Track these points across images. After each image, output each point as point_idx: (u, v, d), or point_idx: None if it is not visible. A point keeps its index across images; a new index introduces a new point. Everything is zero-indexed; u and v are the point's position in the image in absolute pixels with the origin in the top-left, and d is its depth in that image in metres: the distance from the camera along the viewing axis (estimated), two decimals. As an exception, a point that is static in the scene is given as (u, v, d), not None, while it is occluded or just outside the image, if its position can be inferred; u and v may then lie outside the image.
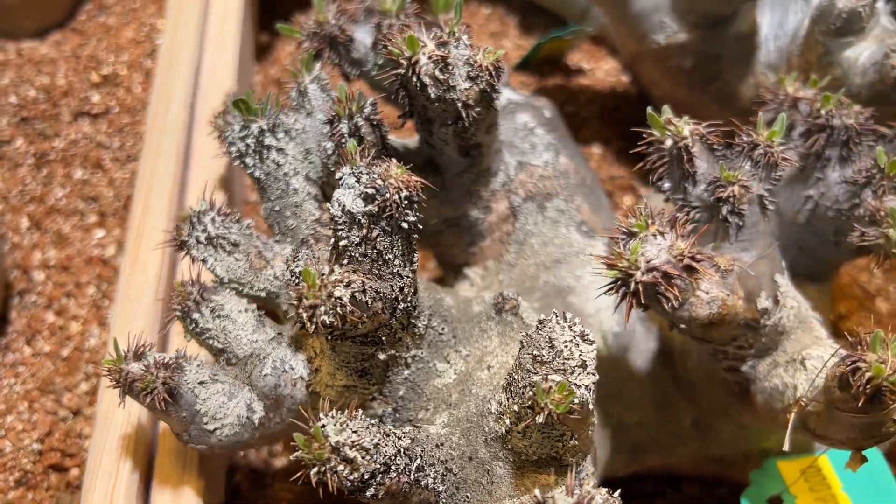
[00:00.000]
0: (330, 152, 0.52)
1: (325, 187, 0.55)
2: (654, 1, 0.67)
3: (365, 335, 0.43)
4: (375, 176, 0.40)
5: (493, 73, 0.49)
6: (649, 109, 0.46)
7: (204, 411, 0.45)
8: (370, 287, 0.41)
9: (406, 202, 0.40)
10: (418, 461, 0.40)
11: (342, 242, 0.41)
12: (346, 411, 0.38)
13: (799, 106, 0.56)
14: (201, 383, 0.45)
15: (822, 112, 0.52)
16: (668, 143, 0.46)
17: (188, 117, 0.67)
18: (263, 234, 0.52)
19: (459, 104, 0.48)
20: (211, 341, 0.47)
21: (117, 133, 0.76)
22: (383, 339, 0.44)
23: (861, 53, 0.59)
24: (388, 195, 0.40)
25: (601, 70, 0.89)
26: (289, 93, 0.56)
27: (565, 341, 0.39)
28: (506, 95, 0.65)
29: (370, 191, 0.40)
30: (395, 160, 0.41)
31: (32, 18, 0.82)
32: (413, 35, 0.46)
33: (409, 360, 0.46)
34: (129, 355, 0.44)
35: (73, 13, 0.87)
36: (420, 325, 0.46)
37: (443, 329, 0.48)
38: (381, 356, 0.44)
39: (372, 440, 0.37)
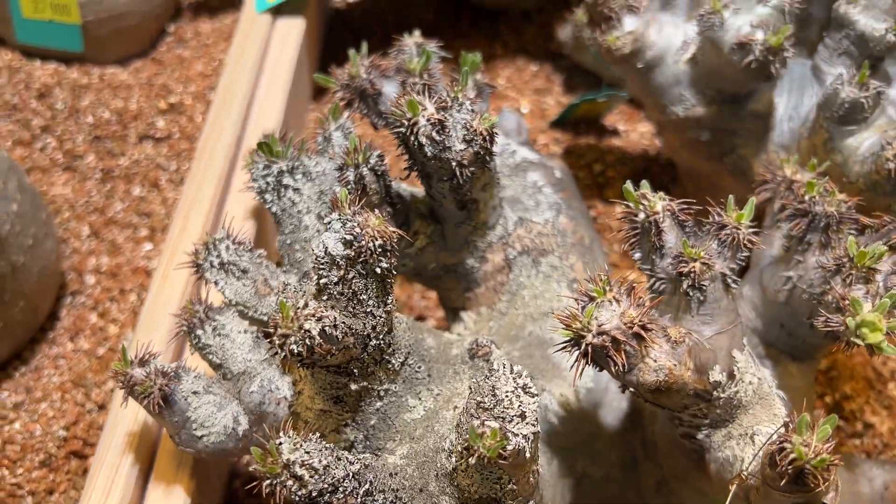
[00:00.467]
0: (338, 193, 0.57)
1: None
2: (675, 75, 0.70)
3: (337, 366, 0.47)
4: (355, 224, 0.45)
5: (488, 138, 0.53)
6: (625, 185, 0.50)
7: (194, 418, 0.50)
8: (342, 323, 0.45)
9: (380, 250, 0.45)
10: (367, 486, 0.44)
11: (322, 280, 0.46)
12: (303, 433, 0.42)
13: (794, 188, 0.58)
14: (195, 393, 0.50)
15: (806, 198, 0.54)
16: (641, 216, 0.49)
17: (234, 149, 0.74)
18: (274, 263, 0.58)
19: (454, 163, 0.53)
20: (210, 356, 0.53)
21: (175, 157, 0.84)
22: (355, 371, 0.48)
23: (862, 142, 0.61)
24: (363, 242, 0.44)
25: (636, 132, 0.92)
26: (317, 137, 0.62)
27: (507, 391, 0.42)
28: (521, 154, 0.69)
29: (349, 237, 0.44)
30: (376, 212, 0.46)
31: (118, 48, 0.92)
32: (413, 100, 0.51)
33: (382, 393, 0.50)
34: (134, 361, 0.50)
35: (156, 44, 0.96)
36: (394, 361, 0.50)
37: (419, 367, 0.52)
38: (353, 386, 0.49)
39: (322, 462, 0.42)
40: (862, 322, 0.47)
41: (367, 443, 0.52)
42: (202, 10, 1.00)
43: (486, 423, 0.41)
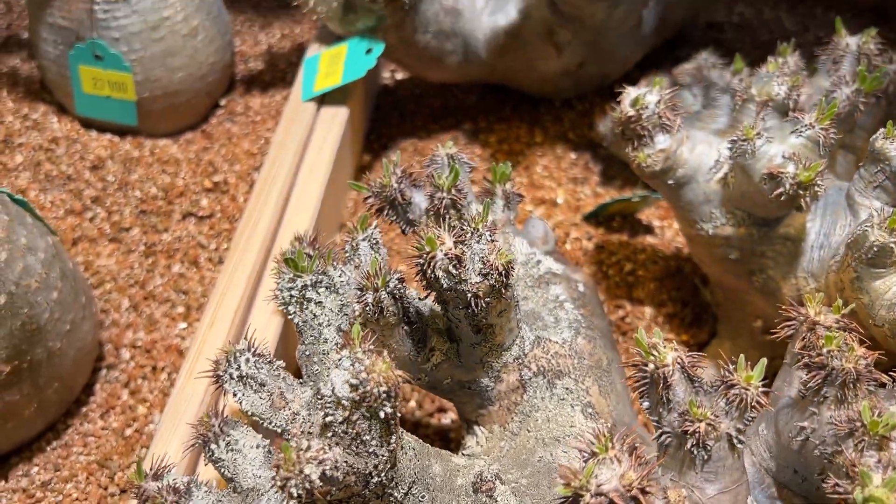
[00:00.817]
0: (357, 313, 0.58)
1: (355, 338, 0.61)
2: (706, 193, 0.70)
3: (339, 501, 0.49)
4: (362, 368, 0.46)
5: (503, 272, 0.54)
6: (637, 334, 0.50)
7: (201, 534, 0.52)
8: (344, 462, 0.46)
9: (385, 395, 0.46)
10: None
11: (328, 418, 0.47)
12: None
13: (817, 329, 0.57)
14: (204, 508, 0.52)
15: (824, 350, 0.53)
16: (650, 367, 0.50)
17: (270, 239, 0.76)
18: (291, 375, 0.59)
19: (469, 295, 0.54)
20: (223, 470, 0.54)
21: (216, 236, 0.87)
22: (356, 505, 0.49)
23: (891, 286, 0.60)
24: (368, 388, 0.45)
25: (671, 229, 0.91)
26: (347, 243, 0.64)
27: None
28: (546, 265, 0.70)
29: (355, 382, 0.46)
30: (385, 355, 0.47)
31: (171, 122, 0.96)
32: (432, 236, 0.52)
33: (384, 523, 0.51)
34: (149, 475, 0.52)
35: (208, 117, 1.00)
36: (397, 494, 0.51)
37: (422, 497, 0.53)
38: (354, 519, 0.50)
39: None
40: (870, 496, 0.46)
41: (368, 569, 0.53)
42: (254, 85, 1.04)
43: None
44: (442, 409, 0.80)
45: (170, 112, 0.94)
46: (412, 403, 0.80)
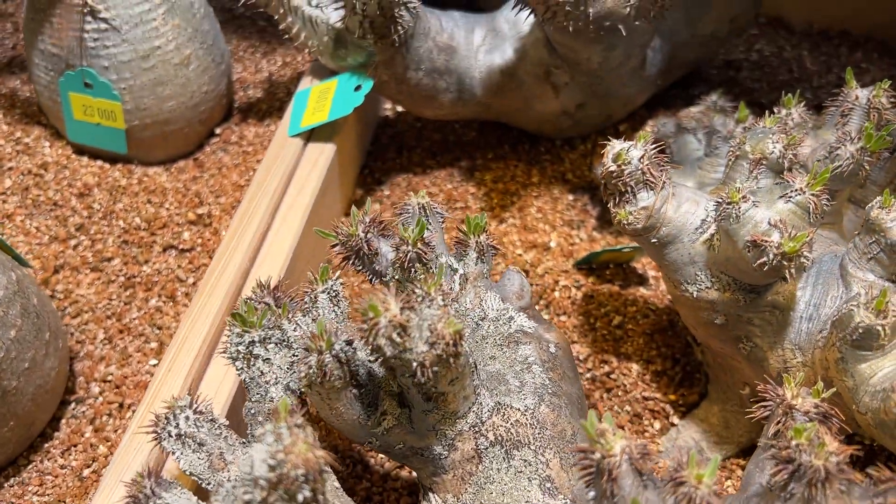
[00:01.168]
0: (302, 375, 0.56)
1: (304, 396, 0.59)
2: (690, 254, 0.66)
3: (257, 580, 0.46)
4: (280, 448, 0.43)
5: (452, 342, 0.51)
6: (574, 406, 0.47)
7: None
8: (262, 544, 0.44)
9: (303, 479, 0.43)
10: None
11: (245, 497, 0.44)
12: None
13: (793, 414, 0.53)
14: (126, 576, 0.50)
15: (793, 443, 0.49)
16: (597, 455, 0.46)
17: (239, 283, 0.74)
18: (234, 434, 0.57)
19: (415, 364, 0.51)
20: (152, 533, 0.52)
21: (194, 271, 0.85)
22: (277, 586, 0.46)
23: (877, 371, 0.55)
24: (285, 470, 0.43)
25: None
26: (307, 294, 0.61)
27: None
28: (518, 322, 0.67)
29: (272, 462, 0.43)
30: (308, 430, 0.44)
31: (162, 150, 0.95)
32: (373, 302, 0.50)
33: None
34: (71, 538, 0.50)
35: (202, 144, 0.99)
36: (323, 573, 0.48)
37: (355, 575, 0.50)
38: None
39: None
40: None
41: None
42: (251, 114, 1.03)
43: None
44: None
45: (161, 140, 0.93)
46: (381, 455, 0.77)
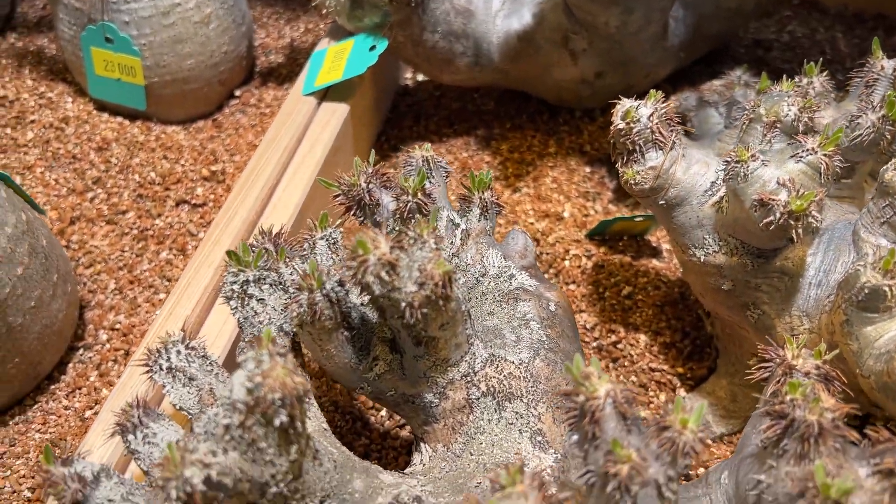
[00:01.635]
0: (293, 314, 0.56)
1: (297, 339, 0.59)
2: (699, 217, 0.65)
3: (234, 507, 0.46)
4: (258, 372, 0.43)
5: (440, 283, 0.50)
6: (571, 363, 0.46)
7: (103, 527, 0.50)
8: (238, 469, 0.44)
9: (279, 402, 0.43)
10: None
11: (225, 421, 0.44)
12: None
13: (793, 374, 0.52)
14: (110, 501, 0.50)
15: (787, 398, 0.48)
16: (581, 398, 0.45)
17: (245, 233, 0.74)
18: (226, 372, 0.57)
19: (404, 304, 0.51)
20: (138, 462, 0.53)
21: (205, 225, 0.86)
22: (253, 514, 0.46)
23: (882, 335, 0.54)
24: (262, 393, 0.43)
25: (680, 255, 0.86)
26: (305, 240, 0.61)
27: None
28: (519, 280, 0.66)
29: (249, 385, 0.43)
30: (289, 357, 0.44)
31: (182, 109, 0.96)
32: (362, 238, 0.49)
33: (288, 536, 0.49)
34: (58, 460, 0.50)
35: (222, 107, 0.99)
36: (302, 507, 0.48)
37: (336, 512, 0.50)
38: (252, 529, 0.47)
39: None
40: (808, 568, 0.41)
41: (270, 583, 0.50)
42: (271, 77, 1.03)
43: None
44: (413, 422, 0.76)
45: (180, 99, 0.94)
46: (382, 413, 0.77)
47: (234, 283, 0.57)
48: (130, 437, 0.53)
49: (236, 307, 0.58)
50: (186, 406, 0.55)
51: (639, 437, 0.45)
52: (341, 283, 0.55)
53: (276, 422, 0.43)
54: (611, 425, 0.45)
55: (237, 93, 1.01)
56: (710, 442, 0.47)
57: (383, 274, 0.50)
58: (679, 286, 0.83)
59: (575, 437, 0.46)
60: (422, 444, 0.60)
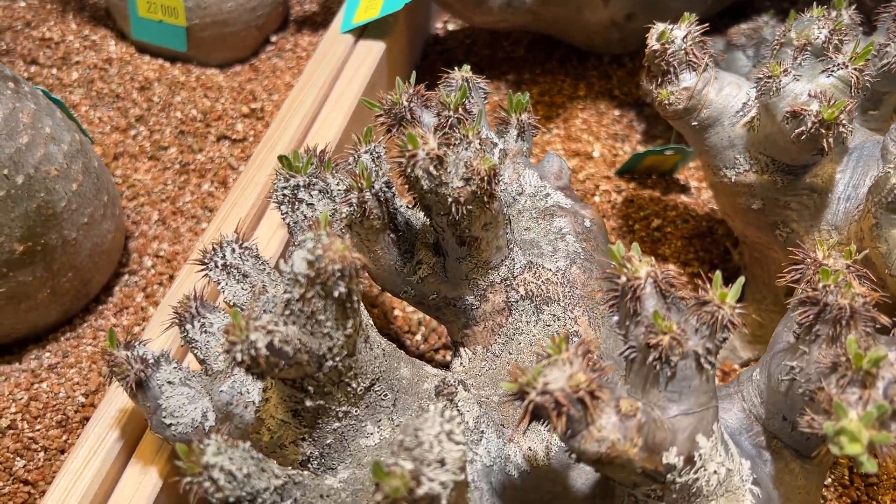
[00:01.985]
0: (343, 216, 0.58)
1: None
2: (730, 137, 0.67)
3: (293, 380, 0.49)
4: (319, 246, 0.46)
5: (486, 178, 0.53)
6: (614, 245, 0.48)
7: (165, 406, 0.53)
8: (297, 339, 0.46)
9: (339, 274, 0.45)
10: (291, 502, 0.45)
11: (286, 295, 0.47)
12: (229, 440, 0.43)
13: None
14: (170, 383, 0.53)
15: (819, 285, 0.50)
16: (622, 279, 0.47)
17: (287, 159, 0.77)
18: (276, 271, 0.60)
19: (450, 199, 0.53)
20: (196, 351, 0.55)
21: (245, 159, 0.88)
22: (310, 388, 0.49)
23: (911, 234, 0.55)
24: (323, 264, 0.45)
25: (708, 192, 0.87)
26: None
27: (431, 435, 0.42)
28: (554, 198, 0.68)
29: (311, 258, 0.46)
30: (346, 237, 0.47)
31: (220, 52, 0.98)
32: (412, 133, 0.52)
33: (341, 415, 0.51)
34: (121, 344, 0.53)
35: (257, 52, 1.02)
36: (355, 385, 0.50)
37: (385, 395, 0.52)
38: (308, 403, 0.50)
39: (243, 470, 0.43)
40: (841, 429, 0.43)
41: (322, 460, 0.52)
42: (306, 24, 1.06)
43: (399, 462, 0.41)
44: (447, 346, 0.79)
45: (219, 41, 0.96)
46: (418, 337, 0.79)
47: (286, 187, 0.60)
48: (188, 326, 0.55)
49: (287, 212, 0.60)
50: (241, 302, 0.58)
51: (678, 315, 0.47)
52: (388, 185, 0.57)
53: (336, 293, 0.46)
54: (651, 302, 0.47)
55: (273, 38, 1.03)
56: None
57: (431, 168, 0.52)
58: (707, 220, 0.85)
59: (616, 318, 0.49)
60: (461, 349, 0.63)
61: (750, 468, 0.50)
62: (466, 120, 0.65)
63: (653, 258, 0.49)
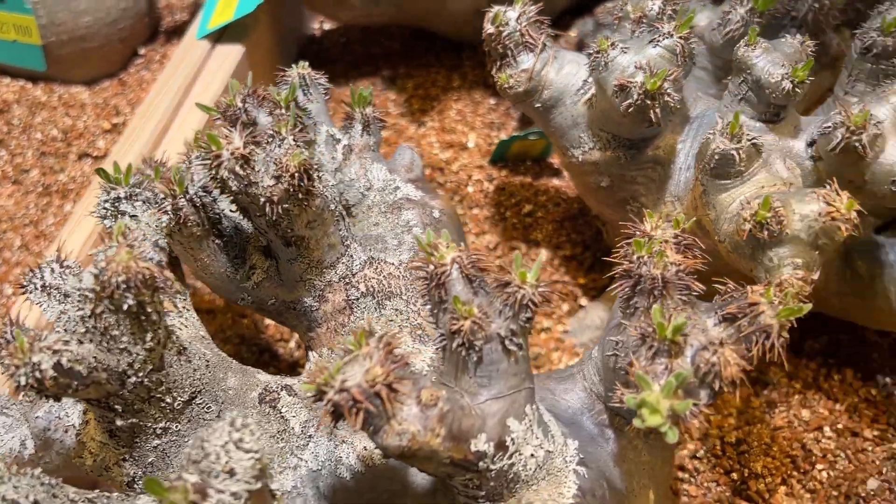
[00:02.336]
0: (163, 224, 0.56)
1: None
2: (573, 116, 0.66)
3: (97, 400, 0.47)
4: (102, 258, 0.44)
5: (298, 175, 0.51)
6: (417, 234, 0.47)
7: (-22, 439, 0.50)
8: (94, 357, 0.44)
9: (124, 286, 0.44)
10: (89, 527, 0.43)
11: (79, 312, 0.45)
12: (17, 469, 0.41)
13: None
14: (-20, 410, 0.51)
15: (634, 257, 0.49)
16: (431, 267, 0.46)
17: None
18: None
19: (262, 199, 0.51)
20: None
21: (107, 176, 0.86)
22: (117, 407, 0.47)
23: (735, 199, 0.55)
24: (106, 277, 0.43)
25: (581, 173, 0.87)
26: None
27: (217, 445, 0.40)
28: (403, 191, 0.67)
29: (95, 271, 0.44)
30: (131, 248, 0.45)
31: (85, 69, 0.95)
32: (212, 134, 0.50)
33: (160, 431, 0.49)
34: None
35: (127, 66, 0.99)
36: (170, 400, 0.49)
37: (209, 408, 0.51)
38: (119, 422, 0.48)
39: (29, 498, 0.41)
40: (642, 402, 0.42)
41: (147, 480, 0.50)
42: (176, 35, 1.03)
43: (183, 476, 0.39)
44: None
45: (80, 58, 0.94)
46: (291, 344, 0.78)
47: (107, 200, 0.58)
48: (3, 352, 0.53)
49: (111, 225, 0.58)
50: (64, 322, 0.56)
51: (486, 298, 0.46)
52: (205, 189, 0.55)
53: (124, 306, 0.44)
54: (457, 288, 0.46)
55: (141, 51, 1.00)
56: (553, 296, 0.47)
57: (238, 168, 0.51)
58: (578, 202, 0.84)
59: (428, 307, 0.47)
60: (310, 353, 0.61)
61: (576, 449, 0.49)
62: (300, 117, 0.64)
63: (462, 244, 0.48)
